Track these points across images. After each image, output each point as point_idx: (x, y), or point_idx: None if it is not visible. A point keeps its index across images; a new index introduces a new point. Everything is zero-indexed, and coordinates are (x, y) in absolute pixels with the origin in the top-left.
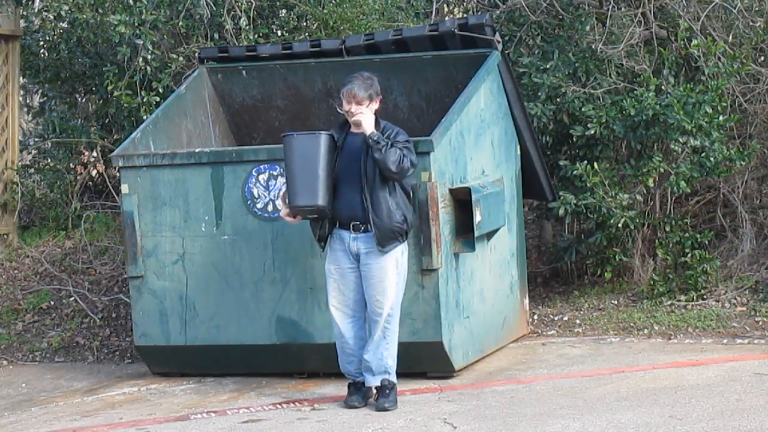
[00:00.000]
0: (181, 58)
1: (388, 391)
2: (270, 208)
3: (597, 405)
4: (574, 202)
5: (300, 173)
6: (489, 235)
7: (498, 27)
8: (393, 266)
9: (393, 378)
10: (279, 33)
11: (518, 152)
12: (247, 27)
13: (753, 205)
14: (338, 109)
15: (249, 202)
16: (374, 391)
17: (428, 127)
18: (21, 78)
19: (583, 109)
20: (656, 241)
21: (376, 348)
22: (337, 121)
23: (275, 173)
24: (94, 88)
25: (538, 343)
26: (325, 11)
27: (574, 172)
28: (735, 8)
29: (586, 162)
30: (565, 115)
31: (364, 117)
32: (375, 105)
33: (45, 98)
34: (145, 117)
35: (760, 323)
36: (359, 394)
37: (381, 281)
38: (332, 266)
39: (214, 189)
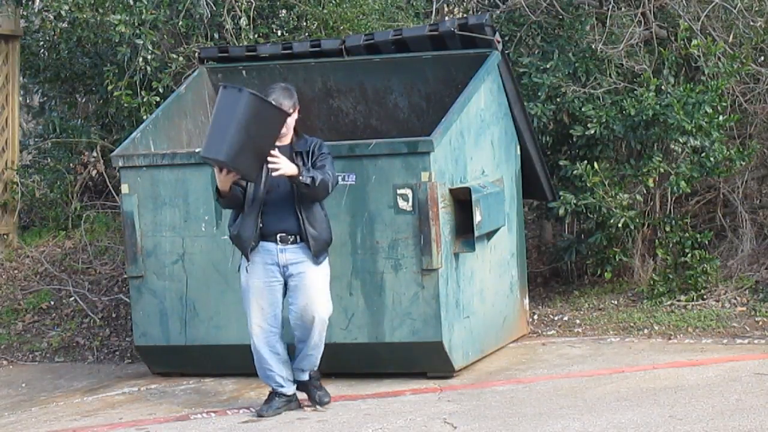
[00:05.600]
0: (181, 58)
1: (318, 381)
2: None
3: (597, 405)
4: (574, 202)
5: (214, 124)
6: (489, 235)
7: (498, 27)
8: (323, 274)
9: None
10: (279, 33)
11: (518, 152)
12: (247, 27)
13: (753, 205)
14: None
15: None
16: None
17: (428, 127)
18: (21, 78)
19: (583, 109)
20: (656, 241)
21: (312, 350)
22: None
23: None
24: (94, 88)
25: (538, 343)
26: (325, 11)
27: (574, 172)
28: (735, 8)
29: (586, 162)
30: (565, 115)
31: (283, 165)
32: (295, 115)
33: (45, 98)
34: (145, 117)
35: (760, 323)
36: (273, 404)
37: (314, 288)
38: (255, 281)
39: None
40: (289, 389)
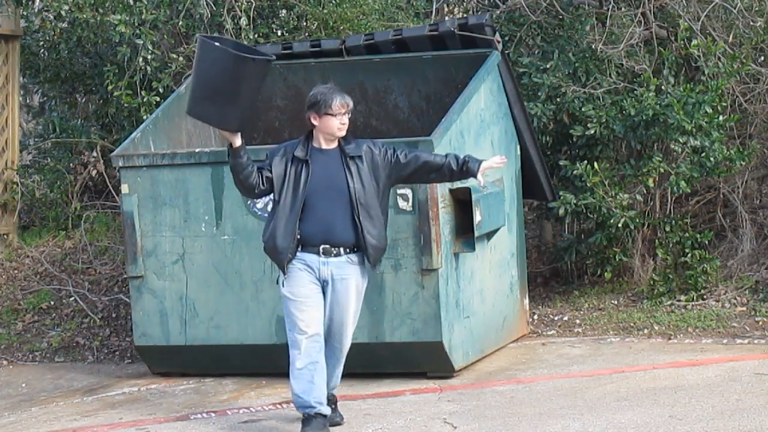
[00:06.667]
0: (181, 58)
1: (333, 405)
2: (270, 207)
3: (597, 405)
4: (574, 202)
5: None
6: (489, 235)
7: (498, 27)
8: (363, 289)
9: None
10: (279, 33)
11: (518, 152)
12: (247, 27)
13: (753, 205)
14: (312, 121)
15: (249, 202)
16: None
17: (428, 127)
18: (21, 78)
19: (583, 109)
20: (656, 241)
21: (335, 369)
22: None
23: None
24: (94, 88)
25: (538, 343)
26: (325, 11)
27: (574, 172)
28: (735, 8)
29: (586, 162)
30: (565, 115)
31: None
32: (345, 119)
33: (45, 98)
34: (145, 117)
35: (760, 323)
36: (317, 427)
37: (352, 309)
38: (295, 289)
39: (214, 189)
40: (327, 408)
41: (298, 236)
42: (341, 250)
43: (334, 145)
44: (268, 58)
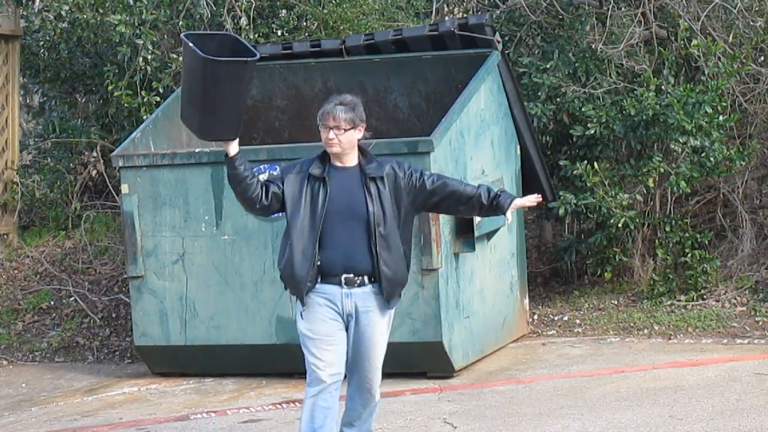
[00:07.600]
0: (181, 58)
1: None
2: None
3: (597, 405)
4: (574, 202)
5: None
6: (489, 235)
7: (498, 27)
8: (388, 325)
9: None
10: (279, 33)
11: (518, 152)
12: (247, 27)
13: (753, 205)
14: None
15: None
16: None
17: (428, 127)
18: (21, 78)
19: (583, 109)
20: (656, 241)
21: (368, 417)
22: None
23: (275, 173)
24: (94, 88)
25: (538, 343)
26: (325, 11)
27: (574, 172)
28: (735, 8)
29: (586, 162)
30: (565, 115)
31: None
32: (357, 133)
33: (45, 98)
34: (145, 117)
35: (760, 323)
36: None
37: (379, 346)
38: (314, 326)
39: (214, 189)
40: None
41: (318, 263)
42: (365, 278)
43: (353, 163)
44: (244, 59)
